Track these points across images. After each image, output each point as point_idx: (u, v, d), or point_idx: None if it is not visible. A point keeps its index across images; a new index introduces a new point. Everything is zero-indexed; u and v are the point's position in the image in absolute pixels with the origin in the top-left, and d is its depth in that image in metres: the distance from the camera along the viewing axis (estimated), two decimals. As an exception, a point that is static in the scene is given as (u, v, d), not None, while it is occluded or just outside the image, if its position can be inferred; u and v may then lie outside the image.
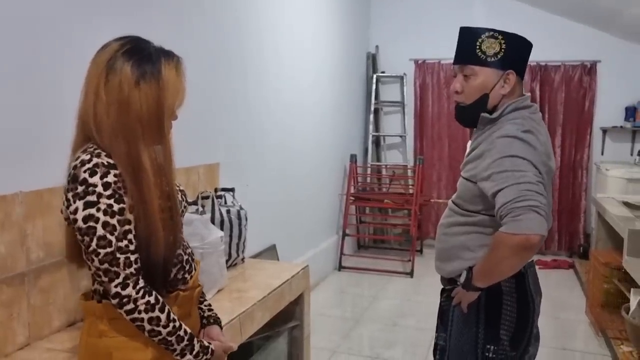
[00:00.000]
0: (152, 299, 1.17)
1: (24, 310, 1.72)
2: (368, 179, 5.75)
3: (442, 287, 1.73)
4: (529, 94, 1.64)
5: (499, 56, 1.54)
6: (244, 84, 3.22)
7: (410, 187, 5.31)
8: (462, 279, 1.55)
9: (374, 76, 5.60)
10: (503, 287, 1.53)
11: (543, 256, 5.17)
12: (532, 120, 1.54)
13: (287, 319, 2.63)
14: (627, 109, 5.12)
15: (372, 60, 5.69)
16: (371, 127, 5.63)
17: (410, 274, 4.73)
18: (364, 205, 5.41)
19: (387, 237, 5.75)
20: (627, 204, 3.46)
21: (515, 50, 1.55)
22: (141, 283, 1.16)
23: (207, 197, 2.55)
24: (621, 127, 5.15)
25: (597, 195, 3.98)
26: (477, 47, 1.54)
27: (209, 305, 1.49)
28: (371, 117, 5.63)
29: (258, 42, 3.37)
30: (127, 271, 1.14)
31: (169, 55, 1.22)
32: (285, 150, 3.84)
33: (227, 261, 2.58)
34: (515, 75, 1.56)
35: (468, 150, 1.63)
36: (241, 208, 2.69)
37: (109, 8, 2.10)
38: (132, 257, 1.15)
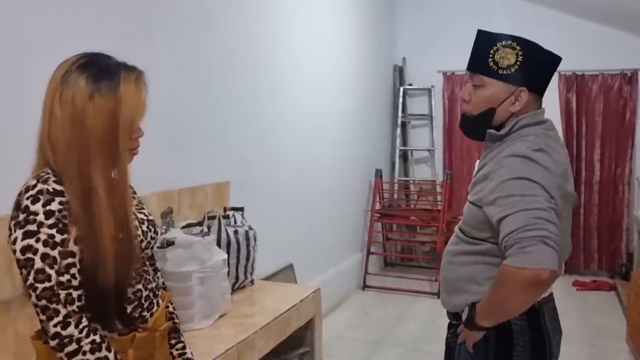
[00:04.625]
0: (97, 338, 1.06)
1: (10, 339, 1.66)
2: (395, 195, 5.58)
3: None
4: (544, 107, 1.46)
5: (512, 69, 1.37)
6: (255, 96, 3.13)
7: (438, 203, 5.11)
8: (464, 317, 1.38)
9: (401, 89, 5.45)
10: (514, 326, 1.35)
11: (582, 276, 4.83)
12: (547, 137, 1.37)
13: (297, 345, 2.51)
14: (671, 119, 4.81)
15: (399, 73, 5.55)
16: (398, 141, 5.48)
17: (437, 294, 4.52)
18: (390, 222, 5.24)
19: (414, 256, 5.56)
20: (670, 223, 3.20)
21: (533, 65, 1.38)
22: (84, 322, 1.05)
23: (213, 217, 2.46)
24: (665, 138, 4.83)
25: (639, 213, 3.71)
26: (490, 56, 1.39)
27: (182, 347, 1.36)
28: (398, 130, 5.48)
29: (273, 53, 3.28)
30: (69, 309, 1.03)
31: (129, 68, 1.13)
32: (302, 165, 3.73)
33: (234, 284, 2.48)
34: (529, 93, 1.39)
35: (475, 170, 1.48)
36: (250, 228, 2.59)
37: (94, 18, 2.06)
38: (75, 294, 1.05)
